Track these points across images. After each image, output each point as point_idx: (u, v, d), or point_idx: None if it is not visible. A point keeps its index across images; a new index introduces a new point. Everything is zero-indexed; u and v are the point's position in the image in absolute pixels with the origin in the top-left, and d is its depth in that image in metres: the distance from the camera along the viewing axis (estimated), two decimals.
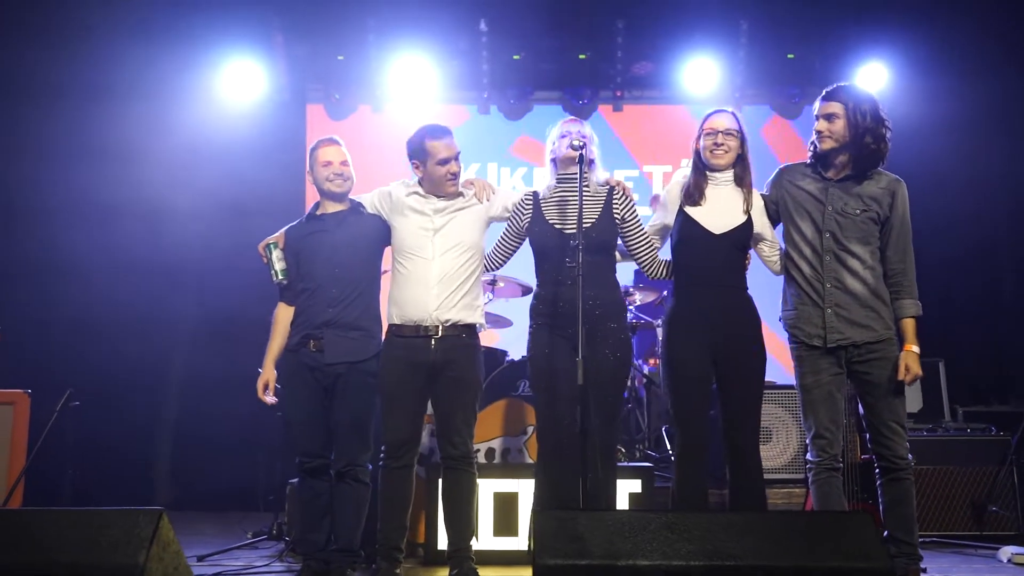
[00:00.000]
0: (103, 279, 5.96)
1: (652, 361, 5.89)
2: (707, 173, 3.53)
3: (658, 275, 3.65)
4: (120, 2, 5.99)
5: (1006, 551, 4.19)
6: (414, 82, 6.64)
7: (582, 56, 6.69)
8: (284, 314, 3.77)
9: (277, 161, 6.43)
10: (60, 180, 6.13)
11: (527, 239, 3.68)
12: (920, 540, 3.46)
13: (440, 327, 3.56)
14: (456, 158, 3.63)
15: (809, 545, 2.42)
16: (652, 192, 6.66)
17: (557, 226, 3.55)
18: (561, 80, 6.81)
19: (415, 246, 3.62)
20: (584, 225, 3.37)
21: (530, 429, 4.45)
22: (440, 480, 3.74)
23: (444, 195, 3.66)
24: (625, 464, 4.44)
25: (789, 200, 3.51)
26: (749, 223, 3.50)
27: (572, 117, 3.78)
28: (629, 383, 5.22)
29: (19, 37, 6.01)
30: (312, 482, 3.68)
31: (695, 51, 6.56)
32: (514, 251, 3.77)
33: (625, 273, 3.71)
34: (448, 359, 3.56)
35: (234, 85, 6.58)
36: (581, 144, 3.43)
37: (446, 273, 3.58)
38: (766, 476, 3.72)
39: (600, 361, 3.43)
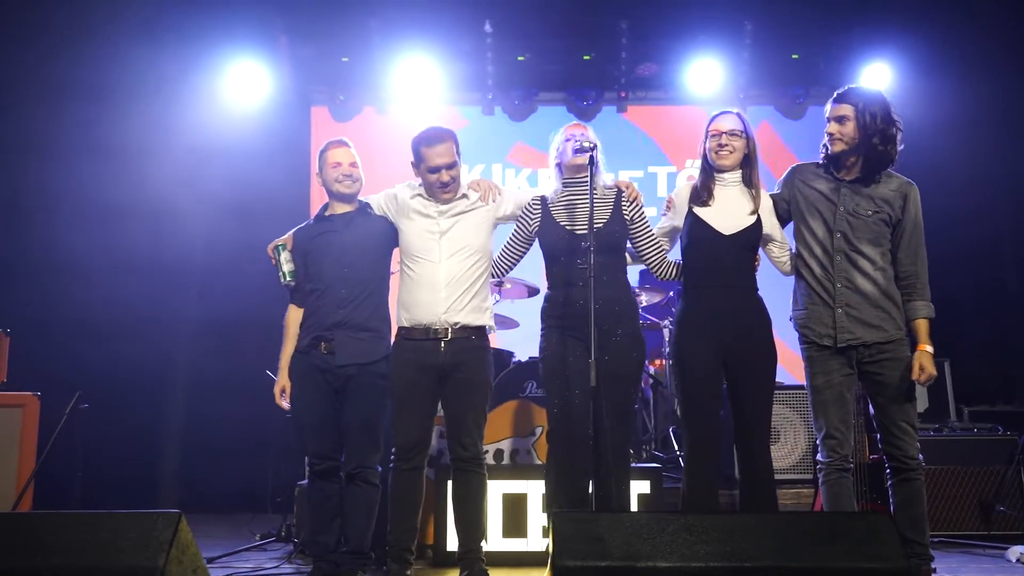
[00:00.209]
0: (107, 280, 5.95)
1: (657, 362, 5.88)
2: (715, 174, 3.54)
3: (667, 276, 3.66)
4: (124, 2, 5.99)
5: (1014, 551, 4.19)
6: (418, 84, 6.64)
7: (586, 57, 6.72)
8: (295, 316, 3.76)
9: (281, 163, 6.43)
10: (64, 180, 6.13)
11: (535, 243, 3.67)
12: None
13: (449, 330, 3.55)
14: (449, 167, 3.56)
15: (827, 546, 2.43)
16: (657, 193, 6.68)
17: (568, 228, 3.55)
18: (565, 81, 6.83)
19: (422, 249, 3.61)
20: (595, 226, 3.37)
21: (538, 430, 4.45)
22: (450, 482, 3.74)
23: (439, 201, 3.64)
24: (634, 465, 4.44)
25: (801, 199, 3.52)
26: (758, 224, 3.51)
27: (575, 122, 3.78)
28: None
29: (23, 37, 6.01)
30: (322, 484, 3.66)
31: (699, 52, 6.58)
32: (521, 256, 3.75)
33: (631, 274, 3.72)
34: (458, 361, 3.56)
35: (238, 87, 6.58)
36: (592, 146, 3.43)
37: (454, 276, 3.57)
38: (774, 477, 3.72)
39: (617, 361, 3.43)
